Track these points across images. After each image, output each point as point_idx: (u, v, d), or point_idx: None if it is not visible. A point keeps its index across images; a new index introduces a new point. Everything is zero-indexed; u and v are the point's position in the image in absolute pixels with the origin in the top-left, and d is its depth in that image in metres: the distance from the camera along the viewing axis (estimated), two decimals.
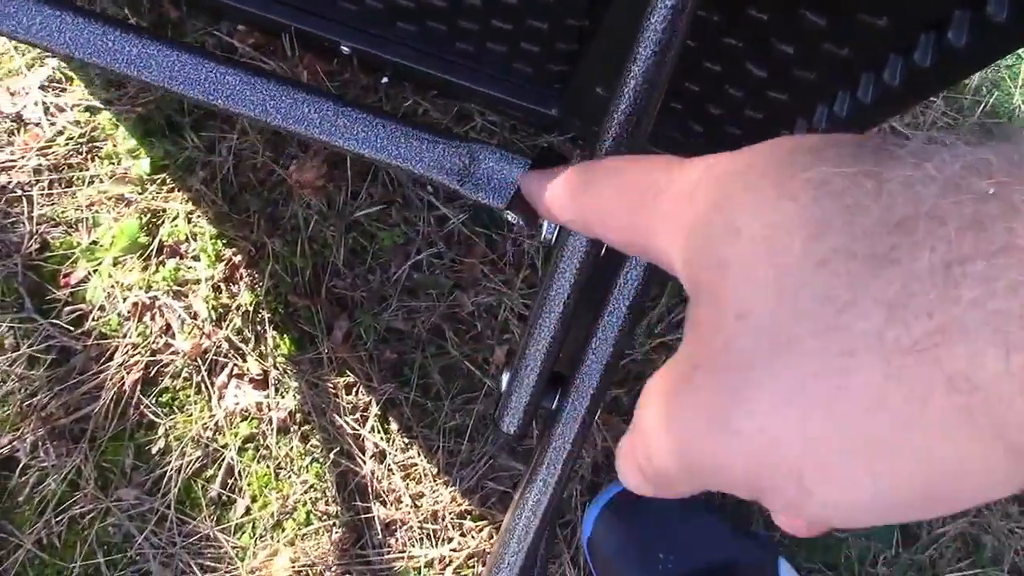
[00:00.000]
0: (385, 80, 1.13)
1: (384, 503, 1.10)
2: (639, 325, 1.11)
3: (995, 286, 0.20)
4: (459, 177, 0.56)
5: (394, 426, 1.11)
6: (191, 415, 1.09)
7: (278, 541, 1.08)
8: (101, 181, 1.11)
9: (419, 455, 1.10)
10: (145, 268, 1.10)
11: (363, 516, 1.09)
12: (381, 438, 1.10)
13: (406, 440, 1.11)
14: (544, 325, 0.53)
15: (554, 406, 0.59)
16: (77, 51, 0.60)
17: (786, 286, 0.23)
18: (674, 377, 0.28)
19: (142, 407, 1.09)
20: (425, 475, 1.10)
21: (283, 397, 1.10)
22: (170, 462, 1.09)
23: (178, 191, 1.12)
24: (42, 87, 1.12)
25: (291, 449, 1.09)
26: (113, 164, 1.12)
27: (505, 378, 0.60)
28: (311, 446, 1.10)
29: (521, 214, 0.52)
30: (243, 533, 1.08)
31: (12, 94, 1.11)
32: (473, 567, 1.09)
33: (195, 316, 1.10)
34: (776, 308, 0.23)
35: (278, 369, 1.10)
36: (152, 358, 1.09)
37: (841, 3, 0.66)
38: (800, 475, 0.24)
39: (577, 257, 0.48)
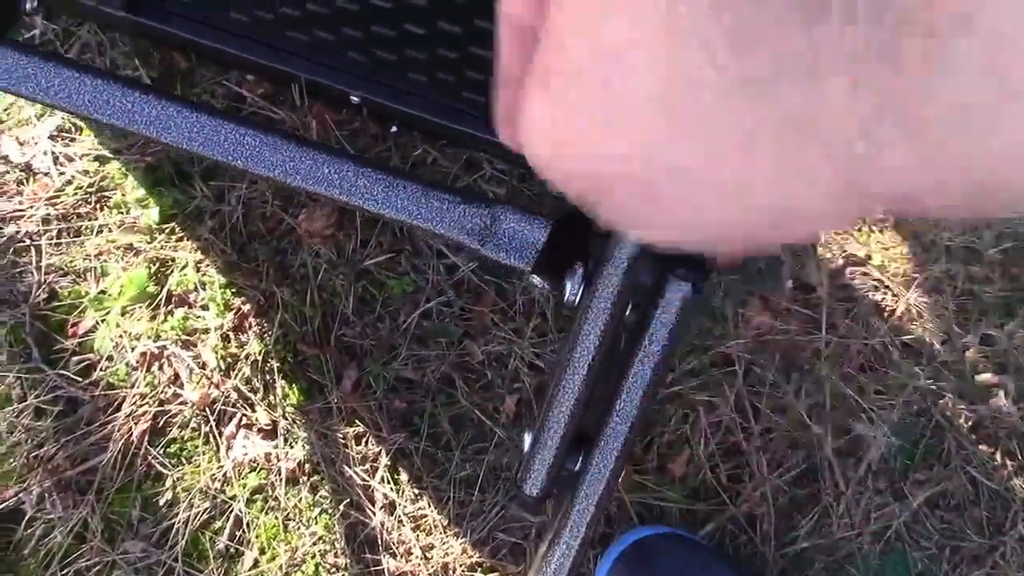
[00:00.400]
0: (394, 129, 1.14)
1: (394, 555, 1.09)
2: None
3: (855, 25, 0.18)
4: (480, 238, 0.56)
5: (404, 476, 1.10)
6: (199, 466, 1.09)
7: None
8: (110, 230, 1.11)
9: (429, 506, 1.10)
10: (153, 317, 1.10)
11: (373, 568, 1.09)
12: (391, 489, 1.10)
13: (416, 491, 1.10)
14: (568, 387, 0.53)
15: (577, 468, 0.59)
16: (96, 112, 0.60)
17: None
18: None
19: (150, 458, 1.08)
20: (435, 526, 1.10)
21: (292, 447, 1.10)
22: (178, 514, 1.08)
23: (187, 240, 1.12)
24: (51, 137, 1.12)
25: (300, 500, 1.09)
26: (122, 213, 1.12)
27: (527, 439, 0.60)
28: (320, 497, 1.09)
29: (546, 276, 0.52)
30: None
31: (22, 144, 1.11)
32: None
33: (204, 366, 1.10)
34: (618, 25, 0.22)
35: (287, 419, 1.10)
36: (160, 408, 1.09)
37: None
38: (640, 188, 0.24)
39: (602, 319, 0.48)
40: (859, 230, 1.19)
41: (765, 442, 1.14)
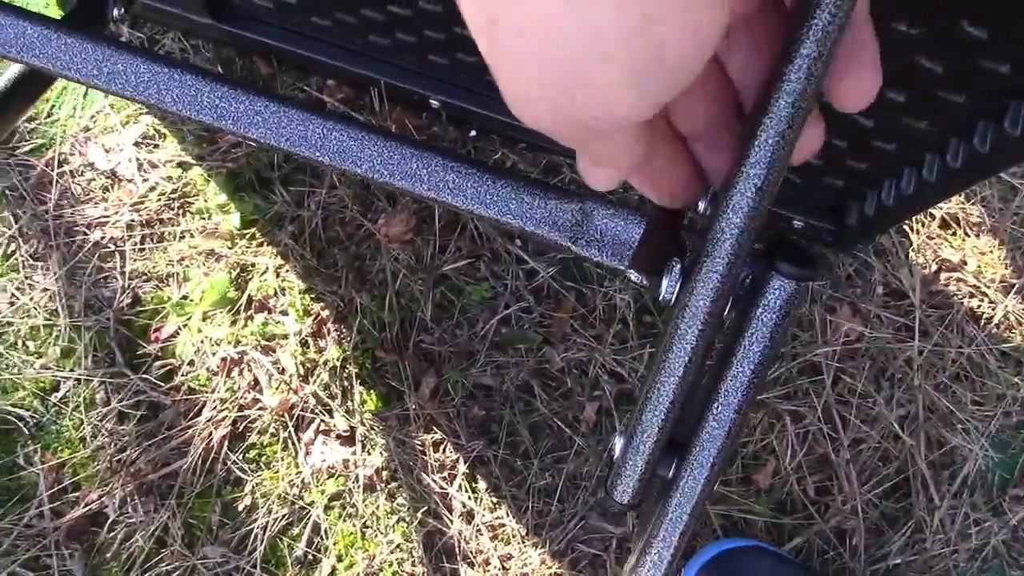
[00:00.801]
0: (473, 134, 1.14)
1: (472, 565, 1.08)
2: None
3: None
4: (571, 235, 0.54)
5: (482, 485, 1.09)
6: (278, 472, 1.09)
7: None
8: (192, 236, 1.13)
9: (508, 515, 1.09)
10: (234, 323, 1.11)
11: None
12: (469, 497, 1.09)
13: (494, 499, 1.09)
14: (662, 390, 0.50)
15: (671, 475, 0.56)
16: (184, 109, 0.60)
17: None
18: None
19: (229, 463, 1.09)
20: (514, 536, 1.08)
21: (370, 454, 1.09)
22: (256, 519, 1.08)
23: (267, 246, 1.13)
24: (136, 144, 1.14)
25: (378, 508, 1.08)
26: (204, 219, 1.13)
27: (618, 443, 0.58)
28: (398, 505, 1.09)
29: (644, 273, 0.50)
30: None
31: (107, 151, 1.13)
32: None
33: (283, 371, 1.10)
34: None
35: (365, 425, 1.10)
36: (240, 413, 1.10)
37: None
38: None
39: (700, 318, 0.46)
40: (953, 234, 1.15)
41: (854, 454, 1.10)
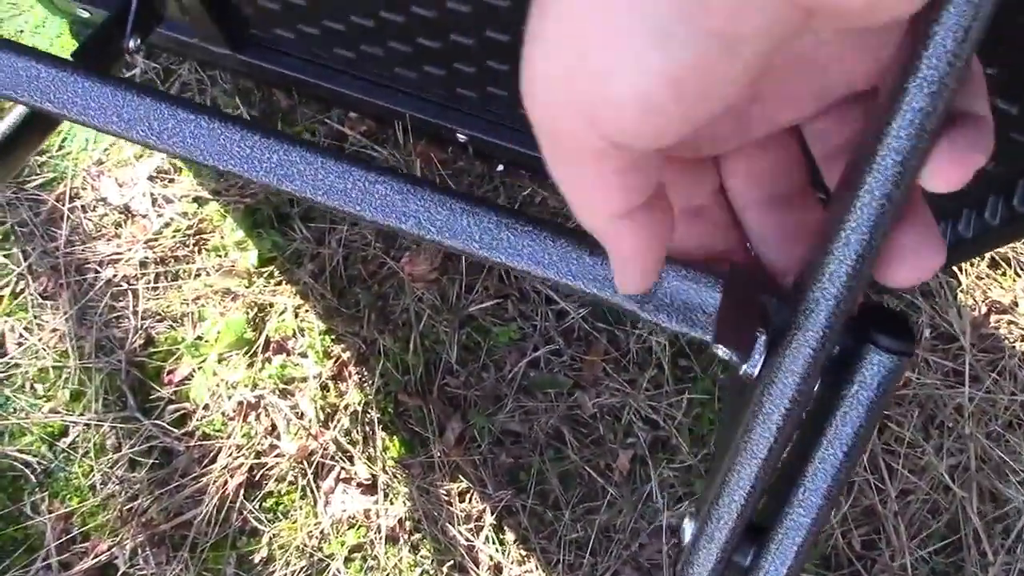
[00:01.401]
0: (501, 168, 1.10)
1: None
2: None
3: None
4: (638, 299, 0.49)
5: (510, 536, 1.05)
6: (296, 522, 1.05)
7: None
8: (208, 274, 1.09)
9: (537, 568, 1.04)
10: (251, 365, 1.07)
11: None
12: (496, 550, 1.04)
13: (523, 552, 1.04)
14: (743, 474, 0.45)
15: (748, 563, 0.51)
16: (212, 159, 0.55)
17: None
18: None
19: (245, 512, 1.05)
20: None
21: (392, 503, 1.05)
22: (274, 572, 1.04)
23: (286, 284, 1.09)
24: (150, 178, 1.11)
25: (400, 560, 1.04)
26: (220, 256, 1.09)
27: (689, 528, 0.52)
28: (421, 557, 1.04)
29: (732, 346, 0.45)
30: None
31: (120, 185, 1.10)
32: None
33: (302, 416, 1.06)
34: None
35: (387, 473, 1.05)
36: (256, 460, 1.05)
37: None
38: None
39: (788, 396, 0.41)
40: (1003, 274, 1.11)
41: (902, 506, 1.05)
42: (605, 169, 0.28)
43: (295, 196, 0.53)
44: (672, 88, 0.24)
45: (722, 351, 0.46)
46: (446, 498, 1.06)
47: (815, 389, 0.44)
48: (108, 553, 1.04)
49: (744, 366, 0.44)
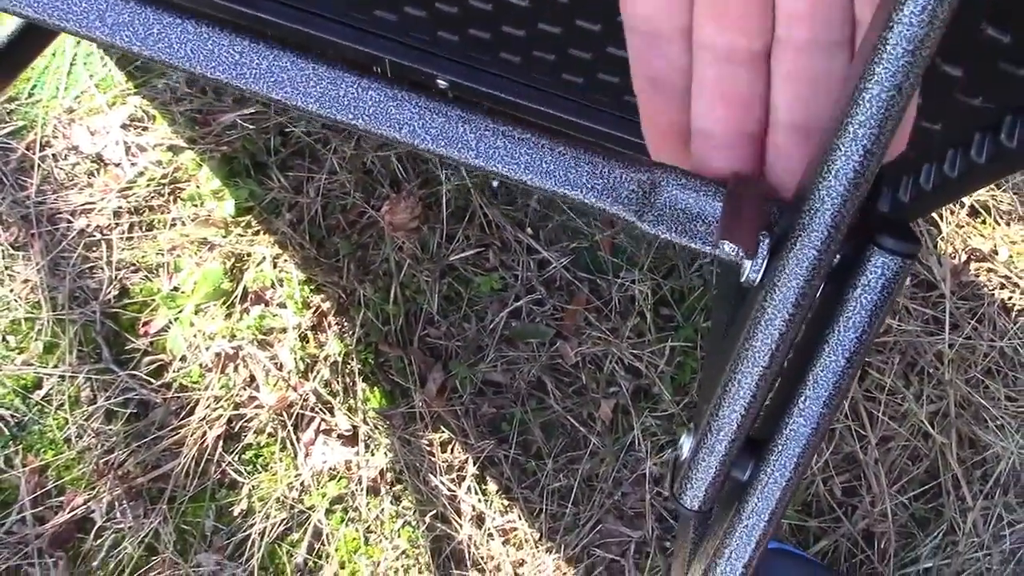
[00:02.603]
0: None
1: (482, 571, 1.04)
2: None
3: None
4: (637, 208, 0.49)
5: (492, 487, 1.05)
6: (276, 474, 1.04)
7: None
8: (183, 224, 1.08)
9: (520, 519, 1.05)
10: (229, 316, 1.06)
11: None
12: (479, 500, 1.04)
13: (505, 502, 1.05)
14: (744, 383, 0.46)
15: (747, 477, 0.51)
16: (198, 65, 0.54)
17: None
18: None
19: (224, 465, 1.04)
20: (526, 541, 1.04)
21: (373, 454, 1.05)
22: (253, 525, 1.03)
23: (263, 234, 1.08)
24: (123, 126, 1.09)
25: (382, 511, 1.04)
26: (196, 206, 1.08)
27: (687, 443, 0.52)
28: (403, 508, 1.04)
29: (738, 241, 0.44)
30: None
31: (93, 133, 1.08)
32: None
33: (281, 367, 1.06)
34: None
35: (368, 424, 1.05)
36: (235, 412, 1.05)
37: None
38: None
39: (791, 301, 0.41)
40: (983, 222, 1.12)
41: (883, 452, 1.07)
42: None
43: (287, 104, 0.52)
44: None
45: (728, 247, 0.46)
46: (428, 449, 1.06)
47: (818, 294, 0.44)
48: (84, 507, 1.04)
49: (748, 270, 0.44)
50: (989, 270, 1.11)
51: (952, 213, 1.12)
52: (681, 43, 0.41)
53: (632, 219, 0.49)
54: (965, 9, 0.65)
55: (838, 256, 0.45)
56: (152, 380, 1.07)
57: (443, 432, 1.07)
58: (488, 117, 0.52)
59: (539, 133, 0.52)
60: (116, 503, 1.04)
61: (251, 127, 1.10)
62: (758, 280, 0.44)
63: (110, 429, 1.05)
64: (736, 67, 0.41)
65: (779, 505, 0.50)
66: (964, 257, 1.11)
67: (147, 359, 1.07)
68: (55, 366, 1.06)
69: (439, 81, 1.05)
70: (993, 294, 1.11)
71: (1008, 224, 1.13)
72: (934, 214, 1.11)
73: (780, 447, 0.48)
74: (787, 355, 0.46)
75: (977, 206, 1.13)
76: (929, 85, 0.78)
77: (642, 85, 0.43)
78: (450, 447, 1.07)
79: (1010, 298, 1.11)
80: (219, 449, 1.06)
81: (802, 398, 0.46)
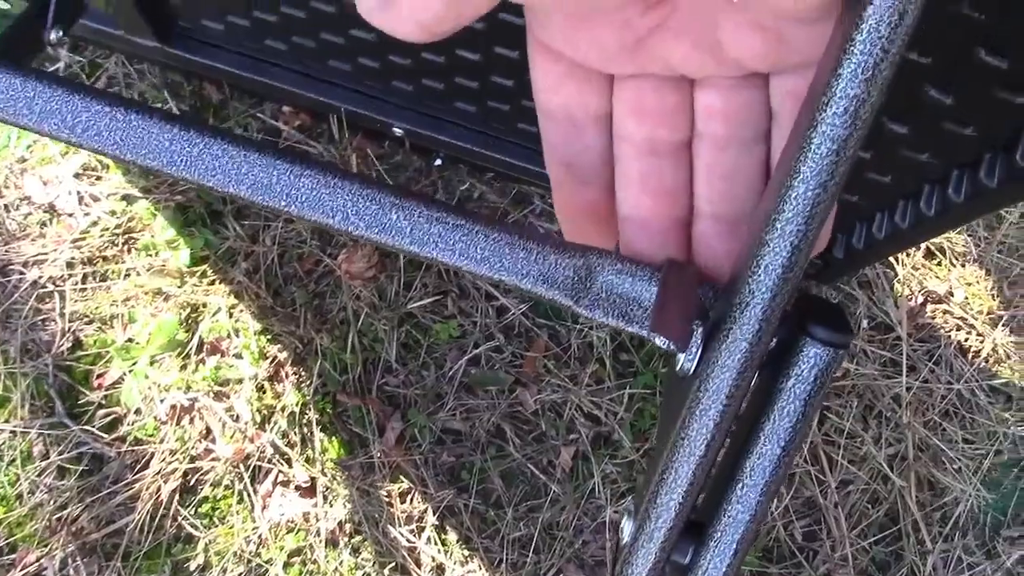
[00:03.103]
0: (438, 163, 1.10)
1: None
2: None
3: None
4: (572, 293, 0.49)
5: (452, 537, 1.05)
6: (232, 527, 1.04)
7: None
8: (138, 274, 1.07)
9: (480, 568, 1.04)
10: (184, 367, 1.06)
11: None
12: (439, 551, 1.04)
13: (466, 552, 1.04)
14: (681, 471, 0.46)
15: (687, 561, 0.51)
16: (128, 153, 0.54)
17: None
18: None
19: (180, 519, 1.03)
20: None
21: (332, 506, 1.04)
22: None
23: (219, 284, 1.07)
24: (76, 175, 1.09)
25: (341, 563, 1.03)
26: (151, 256, 1.08)
27: (627, 527, 0.52)
28: (362, 560, 1.04)
29: (669, 335, 0.44)
30: None
31: (45, 183, 1.08)
32: None
33: (237, 419, 1.05)
34: None
35: (326, 475, 1.05)
36: (191, 465, 1.04)
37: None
38: None
39: (725, 391, 0.41)
40: (938, 264, 1.13)
41: (843, 496, 1.07)
42: None
43: (219, 192, 0.52)
44: None
45: (660, 340, 0.46)
46: (387, 499, 1.06)
47: (752, 383, 0.44)
48: (37, 564, 1.02)
49: (682, 359, 0.44)
50: (945, 312, 1.13)
51: (908, 255, 1.14)
52: (597, 129, 0.41)
53: (568, 303, 0.49)
54: (909, 72, 0.66)
55: (773, 341, 0.45)
56: (106, 434, 1.06)
57: (402, 482, 1.07)
58: (422, 203, 0.52)
59: (474, 219, 0.52)
60: (70, 560, 1.03)
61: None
62: (692, 369, 0.44)
63: (63, 484, 1.04)
64: (659, 159, 0.41)
65: None
66: (920, 299, 1.13)
67: (101, 412, 1.06)
68: (6, 421, 1.05)
69: (395, 129, 1.05)
70: (950, 336, 1.12)
71: (963, 266, 1.14)
72: (890, 257, 1.12)
73: (719, 533, 0.48)
74: (723, 443, 0.46)
75: (933, 248, 1.15)
76: (877, 141, 0.79)
77: (557, 170, 0.43)
78: (409, 497, 1.07)
79: (966, 340, 1.12)
80: (175, 503, 1.05)
81: (739, 485, 0.47)
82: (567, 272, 0.49)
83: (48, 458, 1.04)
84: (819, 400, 0.45)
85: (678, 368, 0.46)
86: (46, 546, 1.03)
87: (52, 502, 1.04)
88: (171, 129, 0.53)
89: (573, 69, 0.37)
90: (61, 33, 0.99)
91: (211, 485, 1.06)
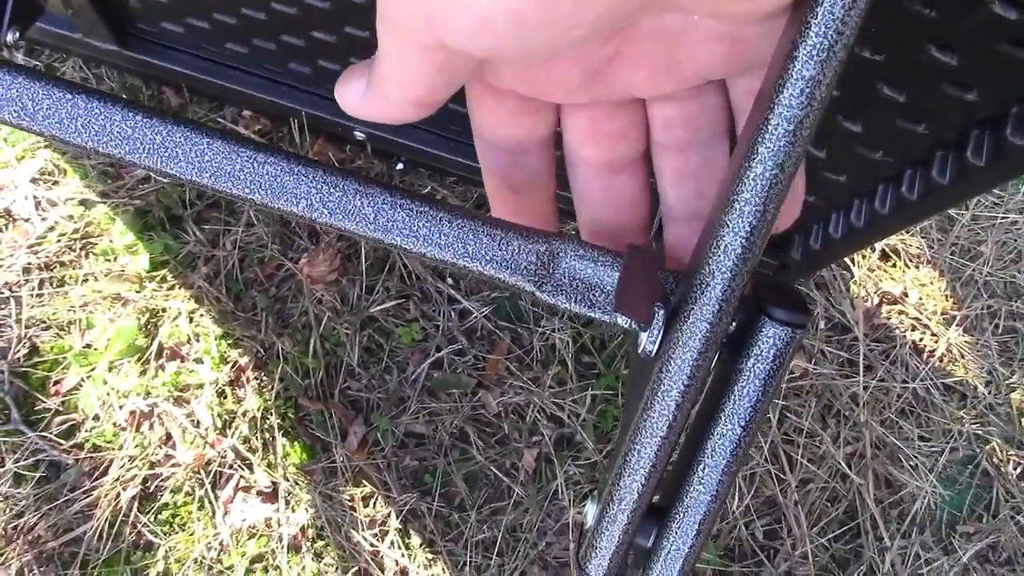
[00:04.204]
0: (400, 166, 1.11)
1: None
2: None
3: None
4: (536, 279, 0.51)
5: (416, 540, 1.05)
6: (193, 533, 1.04)
7: None
8: (96, 279, 1.07)
9: (444, 572, 1.05)
10: (143, 372, 1.06)
11: None
12: (402, 554, 1.05)
13: (429, 556, 1.05)
14: (643, 452, 0.47)
15: (650, 544, 0.53)
16: (87, 139, 0.55)
17: None
18: None
19: (140, 526, 1.03)
20: None
21: (294, 511, 1.04)
22: None
23: (179, 288, 1.08)
24: (33, 180, 1.09)
25: (303, 569, 1.04)
26: (109, 261, 1.08)
27: (591, 511, 0.54)
28: (325, 565, 1.04)
29: (632, 314, 0.46)
30: None
31: (0, 188, 1.07)
32: None
33: (198, 424, 1.05)
34: None
35: (288, 480, 1.05)
36: (150, 471, 1.04)
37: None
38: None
39: (686, 372, 0.43)
40: (893, 266, 1.16)
41: (802, 495, 1.09)
42: (425, 61, 0.30)
43: (181, 179, 0.53)
44: (512, 16, 0.26)
45: (622, 319, 0.48)
46: (350, 503, 1.07)
47: (713, 364, 0.46)
48: None
49: (644, 339, 0.46)
50: (900, 312, 1.16)
51: (864, 257, 1.17)
52: (542, 150, 0.42)
53: (531, 289, 0.51)
54: (862, 69, 0.68)
55: (733, 324, 0.47)
56: (63, 441, 1.05)
57: (365, 486, 1.07)
58: (386, 190, 0.53)
59: (437, 206, 0.53)
60: (26, 569, 1.02)
61: (165, 180, 1.10)
62: (655, 351, 0.46)
63: (19, 492, 1.04)
64: (618, 175, 0.43)
65: (682, 572, 0.52)
66: (876, 300, 1.15)
67: (58, 419, 1.06)
68: None
69: (356, 133, 1.06)
70: (905, 336, 1.15)
71: (918, 267, 1.17)
72: (846, 259, 1.15)
73: (681, 514, 0.49)
74: (685, 424, 0.48)
75: (888, 250, 1.18)
76: (831, 139, 0.81)
77: (503, 194, 0.44)
78: (372, 501, 1.07)
79: (921, 339, 1.15)
80: (134, 510, 1.04)
81: (701, 466, 0.48)
82: (530, 258, 0.51)
83: (4, 466, 1.04)
84: (778, 380, 0.46)
85: (640, 350, 0.48)
86: (1, 555, 1.02)
87: (8, 510, 1.03)
88: (133, 116, 0.54)
89: (522, 104, 0.38)
90: (17, 35, 0.99)
91: (171, 491, 1.06)
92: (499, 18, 0.26)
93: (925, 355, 1.15)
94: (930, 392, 1.14)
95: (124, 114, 0.54)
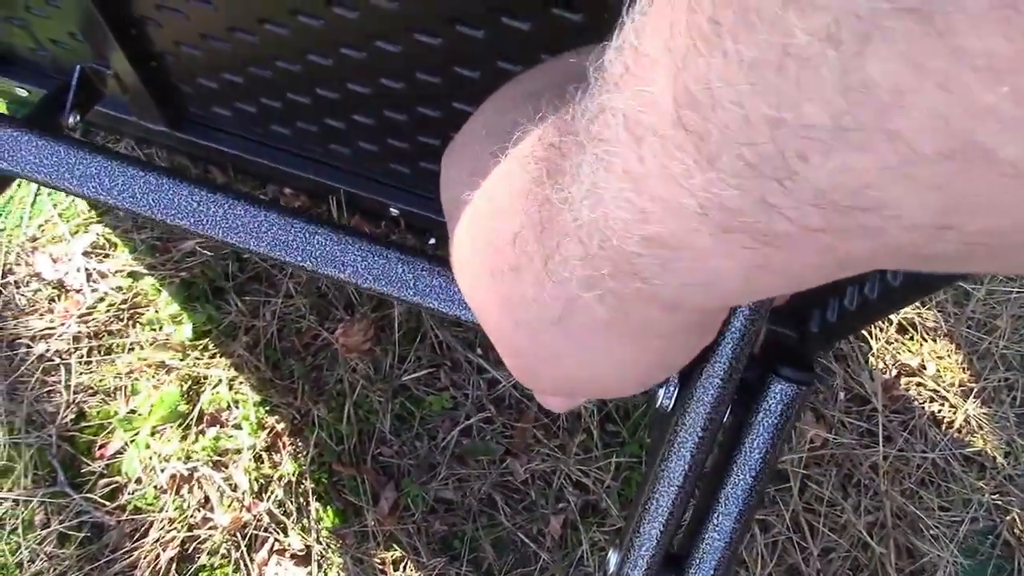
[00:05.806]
0: (432, 241, 1.17)
1: None
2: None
3: None
4: None
5: None
6: None
7: None
8: (142, 348, 1.14)
9: None
10: (184, 437, 1.11)
11: None
12: None
13: None
14: (661, 502, 0.52)
15: None
16: (159, 213, 0.61)
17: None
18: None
19: None
20: None
21: (327, 574, 1.09)
22: None
23: (220, 357, 1.14)
24: (85, 253, 1.16)
25: None
26: (154, 330, 1.14)
27: (613, 558, 0.59)
28: None
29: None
30: None
31: (55, 260, 1.15)
32: None
33: (235, 488, 1.10)
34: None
35: (321, 544, 1.10)
36: (189, 533, 1.09)
37: None
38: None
39: (699, 425, 0.48)
40: (910, 339, 1.21)
41: (825, 564, 1.13)
42: (563, 401, 0.41)
43: (240, 249, 0.60)
44: (640, 386, 0.35)
45: None
46: (380, 567, 1.11)
47: (724, 419, 0.51)
48: None
49: (661, 395, 0.51)
50: (919, 384, 1.20)
51: (881, 330, 1.21)
52: None
53: None
54: None
55: (751, 382, 0.52)
56: (106, 502, 1.11)
57: (395, 550, 1.12)
58: (424, 258, 0.59)
59: (435, 261, 0.59)
60: None
61: (209, 254, 1.17)
62: (671, 406, 0.51)
63: (63, 552, 1.09)
64: None
65: None
66: (895, 372, 1.20)
67: (102, 482, 1.11)
68: (9, 490, 1.10)
69: (391, 209, 1.13)
70: (923, 407, 1.19)
71: (934, 340, 1.22)
72: (864, 331, 1.20)
73: (698, 561, 0.54)
74: (699, 474, 0.53)
75: (905, 323, 1.22)
76: None
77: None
78: (403, 565, 1.11)
79: (939, 411, 1.19)
80: (172, 571, 1.09)
81: (715, 515, 0.53)
82: None
83: (49, 527, 1.09)
84: (786, 433, 0.51)
85: (658, 405, 0.53)
86: None
87: (52, 570, 1.08)
88: (199, 192, 0.61)
89: None
90: (78, 118, 1.08)
91: (208, 553, 1.10)
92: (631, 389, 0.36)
93: (944, 426, 1.19)
94: (949, 463, 1.17)
95: (191, 189, 0.61)
